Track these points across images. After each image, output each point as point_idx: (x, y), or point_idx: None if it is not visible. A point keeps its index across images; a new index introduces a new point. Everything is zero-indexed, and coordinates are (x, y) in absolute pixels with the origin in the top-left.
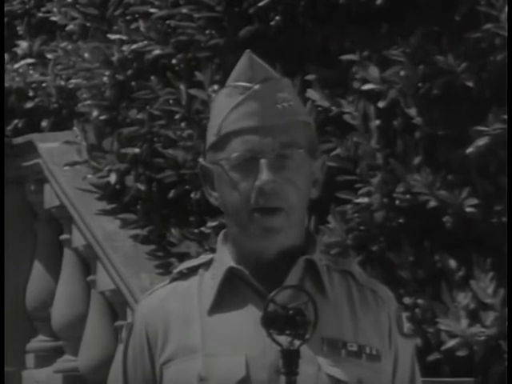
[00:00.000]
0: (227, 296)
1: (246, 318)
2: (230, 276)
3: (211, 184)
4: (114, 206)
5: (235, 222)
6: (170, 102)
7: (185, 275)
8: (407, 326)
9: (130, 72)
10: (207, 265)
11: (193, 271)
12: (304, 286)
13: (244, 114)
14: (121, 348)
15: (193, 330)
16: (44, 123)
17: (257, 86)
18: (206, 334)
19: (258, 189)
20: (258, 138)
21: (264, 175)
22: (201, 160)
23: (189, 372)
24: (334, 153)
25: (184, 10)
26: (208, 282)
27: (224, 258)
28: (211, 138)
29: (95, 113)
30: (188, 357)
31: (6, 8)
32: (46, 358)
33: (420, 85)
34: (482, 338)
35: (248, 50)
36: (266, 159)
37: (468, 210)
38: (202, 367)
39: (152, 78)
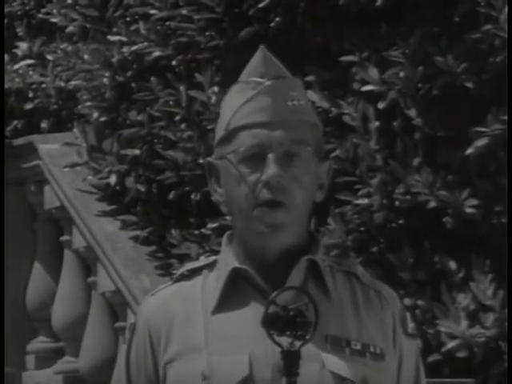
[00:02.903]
0: (231, 296)
1: (250, 317)
2: (234, 277)
3: (217, 180)
4: (114, 207)
5: (239, 218)
6: (170, 103)
7: (187, 277)
8: (411, 326)
9: (129, 73)
10: (211, 266)
11: (196, 272)
12: (307, 286)
13: (255, 108)
14: (124, 348)
15: (196, 330)
16: (44, 124)
17: (269, 82)
18: (209, 333)
19: (264, 182)
20: (266, 133)
21: (271, 169)
22: (208, 158)
23: (192, 371)
24: (334, 154)
25: (184, 12)
26: (212, 284)
27: (228, 259)
28: (220, 132)
29: (95, 114)
30: (191, 356)
31: (6, 9)
32: (46, 359)
33: (419, 86)
34: (482, 339)
35: (262, 46)
36: (273, 154)
37: (468, 210)
38: (205, 366)
39: (152, 79)
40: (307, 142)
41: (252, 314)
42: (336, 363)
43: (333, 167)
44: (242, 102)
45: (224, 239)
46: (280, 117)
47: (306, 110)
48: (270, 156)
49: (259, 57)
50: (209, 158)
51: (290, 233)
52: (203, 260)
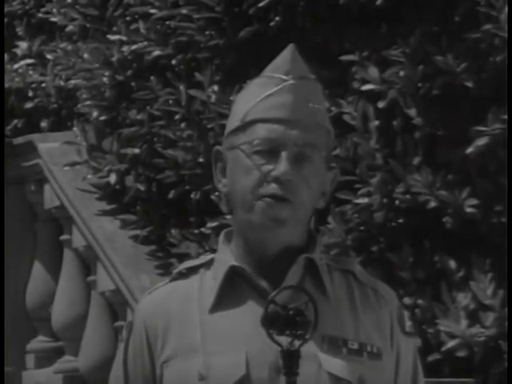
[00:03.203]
0: (228, 295)
1: (246, 316)
2: (231, 275)
3: (222, 170)
4: (113, 206)
5: (241, 211)
6: (170, 102)
7: (184, 275)
8: (409, 325)
9: (129, 72)
10: (208, 265)
11: (193, 271)
12: (304, 284)
13: (275, 104)
14: (121, 347)
15: (193, 329)
16: (43, 123)
17: (294, 81)
18: (205, 332)
19: (274, 177)
20: (283, 130)
21: (282, 166)
22: (217, 146)
23: (189, 371)
24: (334, 153)
25: (184, 11)
26: (209, 282)
27: (225, 257)
28: (234, 123)
29: (95, 113)
30: (188, 356)
31: (6, 8)
32: (46, 358)
33: (419, 85)
34: (482, 338)
35: (292, 44)
36: (287, 152)
37: (468, 210)
38: (201, 366)
39: (152, 78)
40: (320, 146)
41: (249, 312)
42: (333, 363)
43: (338, 176)
44: (264, 96)
45: (221, 237)
46: (299, 116)
47: (324, 114)
48: (284, 153)
49: (287, 54)
50: (217, 147)
51: (291, 231)
52: (200, 258)
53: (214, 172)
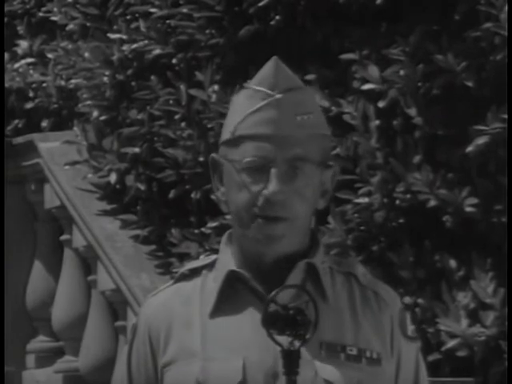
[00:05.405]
0: (228, 299)
1: (245, 322)
2: (231, 279)
3: (220, 178)
4: (114, 206)
5: (238, 223)
6: (170, 101)
7: (187, 276)
8: (411, 329)
9: (130, 72)
10: (211, 266)
11: (196, 272)
12: None
13: (261, 120)
14: (125, 349)
15: (193, 334)
16: (44, 123)
17: (279, 96)
18: (205, 337)
19: (264, 198)
20: (271, 147)
21: (273, 185)
22: (213, 154)
23: (187, 376)
24: (334, 152)
25: (184, 10)
26: (210, 284)
27: (226, 259)
28: (226, 134)
29: (95, 113)
30: (187, 361)
31: (6, 8)
32: (46, 358)
33: (420, 84)
34: (482, 338)
35: (275, 57)
36: (276, 169)
37: (468, 209)
38: (199, 371)
39: (152, 77)
40: (312, 157)
41: (248, 318)
42: (329, 370)
43: (338, 174)
44: (251, 111)
45: (224, 238)
46: (286, 131)
47: (315, 122)
48: (273, 171)
49: (270, 67)
50: (213, 155)
51: (290, 242)
52: (203, 259)
53: (212, 180)
